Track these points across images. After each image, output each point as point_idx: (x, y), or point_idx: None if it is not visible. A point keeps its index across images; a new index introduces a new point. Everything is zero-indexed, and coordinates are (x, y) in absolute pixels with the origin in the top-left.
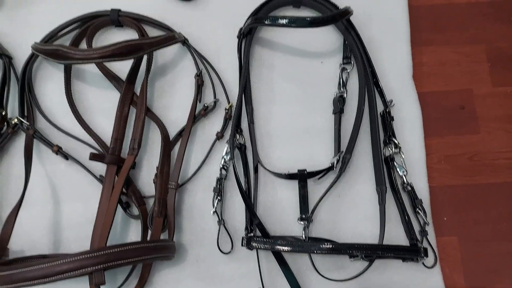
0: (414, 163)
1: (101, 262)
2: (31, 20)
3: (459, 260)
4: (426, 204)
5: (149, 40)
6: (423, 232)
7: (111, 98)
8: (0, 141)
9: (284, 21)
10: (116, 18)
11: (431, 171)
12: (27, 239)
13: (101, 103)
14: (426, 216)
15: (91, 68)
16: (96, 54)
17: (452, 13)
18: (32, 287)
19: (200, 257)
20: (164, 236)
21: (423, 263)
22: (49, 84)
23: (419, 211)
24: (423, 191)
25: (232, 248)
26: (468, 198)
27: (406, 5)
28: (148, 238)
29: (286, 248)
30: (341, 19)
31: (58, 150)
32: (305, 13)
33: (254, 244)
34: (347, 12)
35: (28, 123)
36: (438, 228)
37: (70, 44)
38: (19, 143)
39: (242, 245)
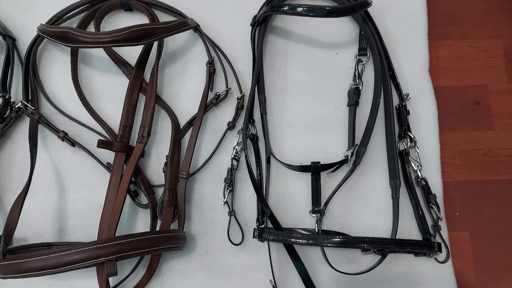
0: (428, 157)
1: (114, 253)
2: (36, 1)
3: (470, 255)
4: (439, 199)
5: (163, 25)
6: (436, 227)
7: (119, 84)
8: (3, 126)
9: (301, 9)
10: (126, 2)
11: (445, 166)
12: (30, 226)
13: (109, 89)
14: (439, 211)
15: (99, 53)
16: (107, 38)
17: (470, 7)
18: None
19: (210, 248)
20: (173, 226)
21: (435, 258)
22: (54, 67)
23: (433, 206)
24: (436, 186)
25: (242, 240)
26: (481, 194)
27: None
28: (157, 228)
29: (299, 241)
30: (360, 10)
31: (65, 136)
32: (321, 2)
33: (266, 236)
34: (366, 3)
35: (33, 108)
36: (450, 223)
37: (77, 27)
38: (22, 128)
39: (253, 236)
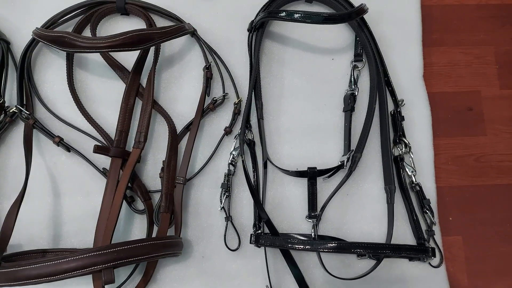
0: (422, 163)
1: (112, 260)
2: (31, 4)
3: (463, 259)
4: (433, 204)
5: (160, 30)
6: (430, 232)
7: (115, 88)
8: None
9: (299, 16)
10: (123, 6)
11: (439, 171)
12: (25, 232)
13: (105, 94)
14: (433, 216)
15: (95, 57)
16: (105, 43)
17: (463, 14)
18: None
19: (206, 253)
20: (169, 232)
21: (429, 263)
22: (49, 71)
23: (427, 211)
24: (430, 191)
25: (239, 245)
26: (474, 199)
27: (418, 4)
28: (154, 234)
29: (296, 247)
30: (357, 17)
31: (60, 142)
32: (317, 8)
33: (262, 242)
34: (362, 10)
35: (28, 112)
36: (444, 228)
37: (73, 30)
38: (16, 133)
39: (250, 242)
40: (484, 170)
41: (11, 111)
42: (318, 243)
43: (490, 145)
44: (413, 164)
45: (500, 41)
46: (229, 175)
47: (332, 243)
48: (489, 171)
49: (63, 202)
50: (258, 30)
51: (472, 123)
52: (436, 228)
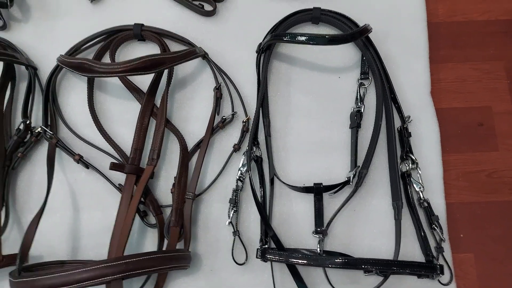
0: (431, 179)
1: (120, 271)
2: (56, 33)
3: (475, 277)
4: (443, 220)
5: (171, 55)
6: (439, 249)
7: (131, 109)
8: (23, 150)
9: (303, 38)
10: (139, 33)
11: (449, 187)
12: (46, 245)
13: (122, 114)
14: (442, 232)
15: (113, 80)
16: (120, 68)
17: (471, 30)
18: None
19: (215, 267)
20: (179, 245)
21: (438, 280)
22: (72, 94)
23: (436, 228)
24: (440, 207)
25: (246, 259)
26: (486, 215)
27: (425, 21)
28: (164, 247)
29: (301, 262)
30: (360, 37)
31: (80, 159)
32: (324, 29)
33: (268, 256)
34: (366, 30)
35: (51, 133)
36: (455, 245)
37: (94, 57)
38: (41, 151)
39: (257, 257)
40: (496, 186)
41: (36, 131)
42: (324, 258)
43: (502, 160)
44: (421, 180)
45: (510, 56)
46: (237, 191)
47: (338, 259)
48: (501, 187)
49: (81, 216)
50: (265, 52)
51: (483, 138)
52: (446, 245)
